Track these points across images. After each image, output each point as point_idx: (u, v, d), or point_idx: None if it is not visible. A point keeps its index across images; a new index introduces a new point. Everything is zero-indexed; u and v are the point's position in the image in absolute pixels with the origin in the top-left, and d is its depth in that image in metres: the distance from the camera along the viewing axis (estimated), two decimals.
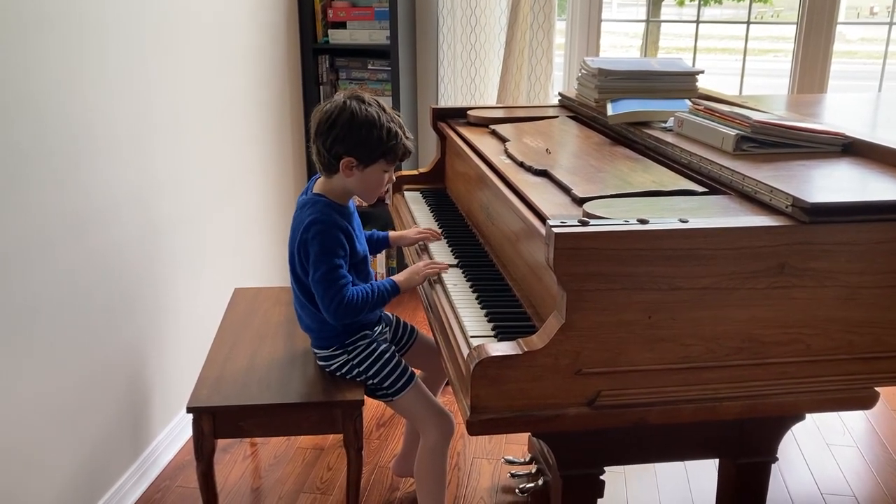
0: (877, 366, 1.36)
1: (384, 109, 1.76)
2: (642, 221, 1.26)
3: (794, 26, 3.47)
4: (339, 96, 1.76)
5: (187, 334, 2.46)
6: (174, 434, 2.40)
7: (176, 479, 2.29)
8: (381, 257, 3.62)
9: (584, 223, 1.25)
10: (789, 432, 2.53)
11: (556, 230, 1.22)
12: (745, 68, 3.64)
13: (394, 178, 1.88)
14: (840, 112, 2.39)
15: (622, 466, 2.27)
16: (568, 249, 1.22)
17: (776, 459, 1.46)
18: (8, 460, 1.72)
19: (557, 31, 3.57)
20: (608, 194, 1.48)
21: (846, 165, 1.55)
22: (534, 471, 2.23)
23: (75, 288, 1.92)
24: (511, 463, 2.30)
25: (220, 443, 2.42)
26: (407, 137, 1.79)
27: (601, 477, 1.45)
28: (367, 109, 1.73)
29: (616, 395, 1.30)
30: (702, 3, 8.59)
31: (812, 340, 1.32)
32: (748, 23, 3.64)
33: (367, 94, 1.78)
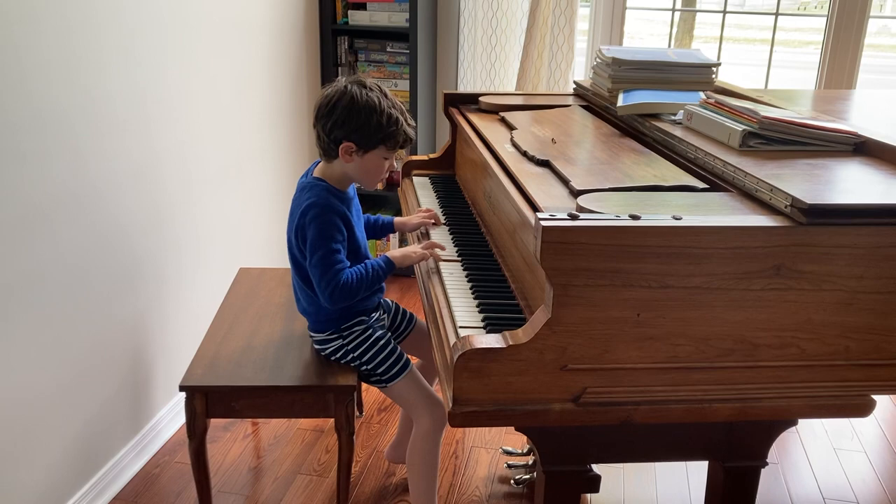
0: (874, 373, 1.32)
1: (385, 95, 1.74)
2: (634, 217, 1.23)
3: (825, 18, 3.38)
4: (341, 80, 1.75)
5: (191, 312, 2.47)
6: (176, 410, 2.42)
7: (175, 454, 2.31)
8: (394, 242, 3.60)
9: (573, 217, 1.22)
10: (795, 434, 2.52)
11: (543, 223, 1.19)
12: (781, 60, 3.56)
13: (395, 165, 1.86)
14: (865, 109, 2.32)
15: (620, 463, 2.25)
16: (555, 243, 1.19)
17: (766, 464, 1.43)
18: (9, 428, 1.75)
19: (581, 18, 3.51)
20: (606, 187, 1.45)
21: (855, 165, 1.50)
22: (530, 462, 2.22)
23: (77, 263, 1.93)
24: (509, 453, 2.29)
25: (222, 421, 2.45)
26: (409, 124, 1.77)
27: (596, 472, 1.43)
28: (367, 94, 1.71)
29: (602, 393, 1.28)
30: None
31: (807, 345, 1.29)
32: (776, 14, 3.55)
33: (370, 80, 1.76)
